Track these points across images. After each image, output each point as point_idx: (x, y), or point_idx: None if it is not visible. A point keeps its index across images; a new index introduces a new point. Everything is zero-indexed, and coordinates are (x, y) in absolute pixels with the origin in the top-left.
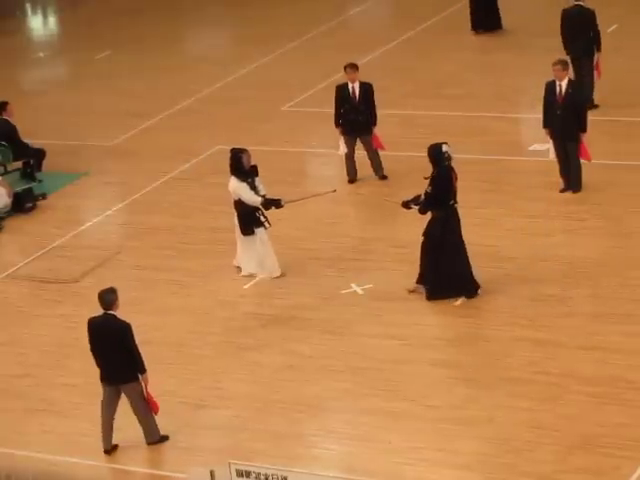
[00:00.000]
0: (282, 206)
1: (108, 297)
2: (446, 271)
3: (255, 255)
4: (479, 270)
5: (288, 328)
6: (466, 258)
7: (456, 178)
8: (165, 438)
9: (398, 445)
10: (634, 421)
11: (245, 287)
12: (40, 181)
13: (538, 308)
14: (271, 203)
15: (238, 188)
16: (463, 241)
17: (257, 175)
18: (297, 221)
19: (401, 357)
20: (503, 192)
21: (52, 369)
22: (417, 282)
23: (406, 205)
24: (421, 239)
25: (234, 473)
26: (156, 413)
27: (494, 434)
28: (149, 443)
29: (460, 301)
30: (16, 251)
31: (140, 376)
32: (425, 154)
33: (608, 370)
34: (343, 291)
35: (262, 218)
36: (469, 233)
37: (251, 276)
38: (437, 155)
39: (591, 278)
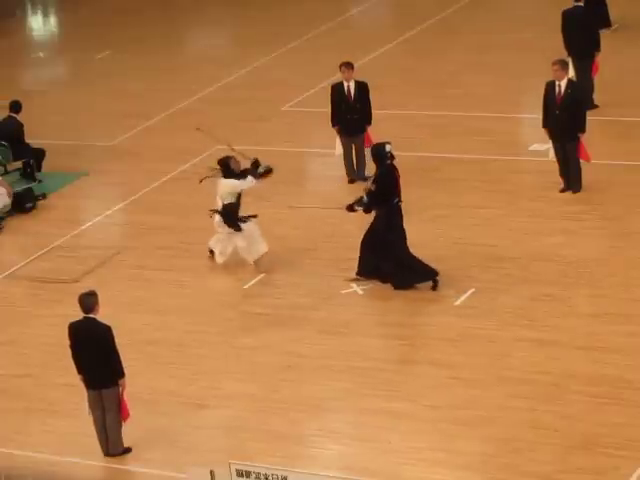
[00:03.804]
0: (259, 164)
1: (88, 300)
2: (397, 264)
3: (248, 242)
4: (479, 270)
5: (288, 328)
6: (409, 256)
7: (399, 177)
8: (128, 450)
9: (398, 445)
10: (634, 421)
11: (245, 287)
12: (40, 181)
13: (538, 308)
14: (255, 165)
15: (240, 184)
16: (405, 242)
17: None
18: (297, 221)
19: (401, 357)
20: (503, 192)
21: (52, 369)
22: (357, 274)
23: (350, 208)
24: (363, 234)
25: (234, 473)
26: (125, 420)
27: (494, 434)
28: (110, 455)
29: (460, 301)
30: (16, 251)
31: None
32: (425, 154)
33: (608, 370)
34: (343, 291)
35: (245, 215)
36: (469, 233)
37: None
38: (380, 154)
39: (591, 278)
